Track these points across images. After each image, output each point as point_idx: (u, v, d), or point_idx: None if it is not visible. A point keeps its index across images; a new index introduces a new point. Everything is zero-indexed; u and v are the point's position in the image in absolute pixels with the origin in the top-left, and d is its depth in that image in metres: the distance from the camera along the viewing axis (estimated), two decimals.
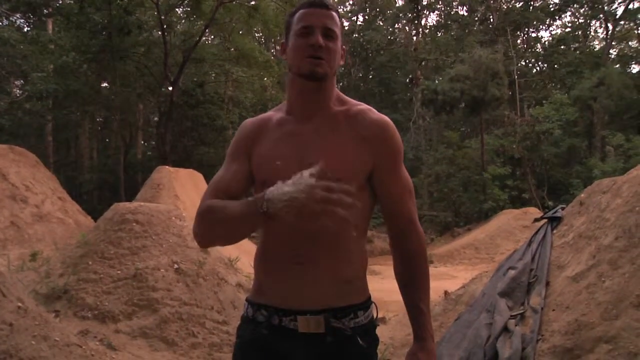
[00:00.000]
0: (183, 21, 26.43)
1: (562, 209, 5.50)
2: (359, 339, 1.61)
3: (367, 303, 1.69)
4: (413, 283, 1.67)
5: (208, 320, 5.29)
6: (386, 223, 1.73)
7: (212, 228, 1.57)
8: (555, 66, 31.41)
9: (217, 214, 1.54)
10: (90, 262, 5.65)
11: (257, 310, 1.67)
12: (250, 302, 1.72)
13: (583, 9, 32.36)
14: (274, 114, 1.74)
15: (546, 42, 34.09)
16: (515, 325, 4.09)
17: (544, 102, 25.19)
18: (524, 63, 31.94)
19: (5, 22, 23.65)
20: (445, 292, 6.34)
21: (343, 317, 1.60)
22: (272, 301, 1.64)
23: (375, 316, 1.72)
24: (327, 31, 1.59)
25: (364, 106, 1.70)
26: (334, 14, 1.62)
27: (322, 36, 1.58)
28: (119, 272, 5.55)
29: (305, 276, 1.58)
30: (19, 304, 3.51)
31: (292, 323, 1.60)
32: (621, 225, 4.16)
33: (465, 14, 34.84)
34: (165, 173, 13.79)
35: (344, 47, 1.68)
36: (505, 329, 4.09)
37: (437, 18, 37.99)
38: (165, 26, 21.84)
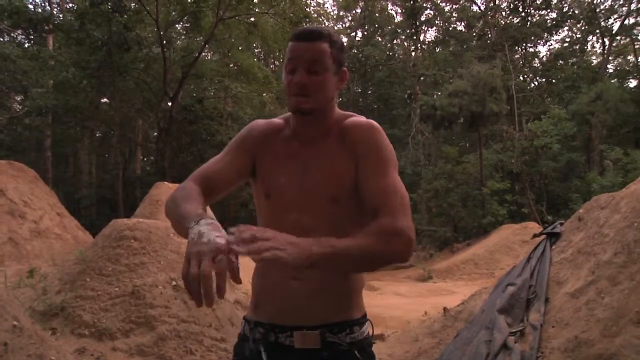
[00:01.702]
0: (182, 37, 26.60)
1: (561, 224, 5.49)
2: (356, 352, 1.61)
3: (362, 319, 1.69)
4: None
5: (206, 337, 5.25)
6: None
7: (169, 209, 1.53)
8: (553, 81, 31.54)
9: (178, 199, 1.51)
10: (88, 279, 5.62)
11: (254, 328, 1.69)
12: (247, 320, 1.74)
13: (580, 24, 32.57)
14: (284, 125, 1.76)
15: (544, 57, 34.29)
16: (515, 342, 4.07)
17: (542, 116, 25.21)
18: (522, 78, 32.04)
19: (7, 38, 23.81)
20: (445, 309, 6.32)
21: (339, 332, 1.61)
22: (269, 317, 1.66)
23: (371, 333, 1.72)
24: (311, 66, 1.57)
25: (354, 116, 1.72)
26: (321, 44, 1.58)
27: (306, 72, 1.57)
28: (116, 289, 5.52)
29: (301, 292, 1.59)
30: (15, 323, 3.48)
31: (289, 339, 1.61)
32: (620, 241, 4.15)
33: (463, 29, 35.05)
34: (164, 189, 13.75)
35: (344, 69, 1.66)
36: (505, 346, 4.06)
37: (436, 34, 38.22)
38: (164, 42, 21.95)
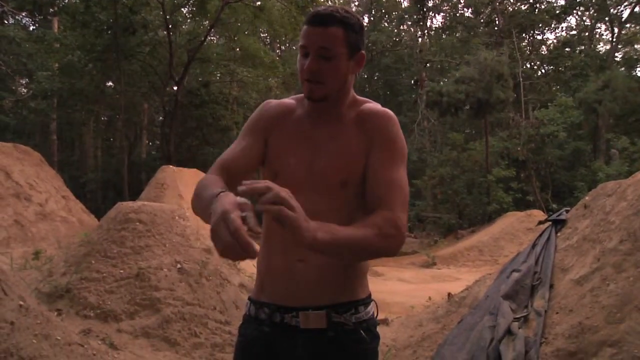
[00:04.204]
0: (188, 21, 26.46)
1: (567, 211, 5.47)
2: (362, 332, 1.63)
3: (367, 299, 1.70)
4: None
5: (210, 320, 5.28)
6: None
7: (194, 203, 1.52)
8: (560, 69, 31.30)
9: (199, 192, 1.49)
10: (93, 261, 5.65)
11: (259, 308, 1.70)
12: (252, 301, 1.75)
13: (589, 12, 32.25)
14: (296, 105, 1.75)
15: (551, 45, 34.00)
16: (519, 328, 4.07)
17: (548, 104, 25.05)
18: (529, 65, 31.81)
19: (11, 20, 23.79)
20: (449, 294, 6.34)
21: (344, 312, 1.62)
22: (274, 298, 1.66)
23: (375, 314, 1.74)
24: (321, 52, 1.55)
25: (371, 103, 1.72)
26: (333, 29, 1.55)
27: (317, 58, 1.55)
28: (121, 271, 5.55)
29: (307, 273, 1.60)
30: (21, 303, 3.50)
31: (294, 320, 1.62)
32: (626, 229, 4.13)
33: (471, 16, 34.75)
34: (169, 173, 13.80)
35: (362, 52, 1.64)
36: (509, 332, 4.07)
37: (443, 20, 37.91)
38: (170, 26, 21.85)
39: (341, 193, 1.60)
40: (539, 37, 33.95)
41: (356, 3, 40.26)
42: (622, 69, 28.38)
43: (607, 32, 32.14)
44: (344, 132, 1.64)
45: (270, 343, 1.65)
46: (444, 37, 35.29)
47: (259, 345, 1.67)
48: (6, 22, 23.39)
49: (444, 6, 35.86)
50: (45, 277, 5.67)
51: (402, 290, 10.74)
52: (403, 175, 1.58)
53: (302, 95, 1.75)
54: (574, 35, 32.99)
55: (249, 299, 1.77)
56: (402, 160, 1.61)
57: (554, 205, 20.57)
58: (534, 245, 5.12)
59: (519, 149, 22.97)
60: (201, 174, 15.67)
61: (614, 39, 30.13)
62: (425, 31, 35.12)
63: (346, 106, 1.68)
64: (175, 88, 22.93)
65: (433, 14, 36.21)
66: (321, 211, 1.54)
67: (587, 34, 32.72)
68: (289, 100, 1.78)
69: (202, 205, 1.40)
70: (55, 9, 21.72)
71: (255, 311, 1.71)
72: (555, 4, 31.11)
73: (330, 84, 1.58)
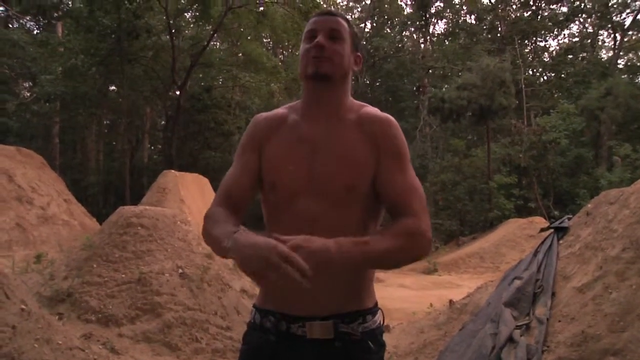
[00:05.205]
0: (191, 26, 26.54)
1: (569, 219, 5.46)
2: (370, 343, 1.61)
3: (374, 308, 1.69)
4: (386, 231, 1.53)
5: (211, 325, 5.27)
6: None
7: (205, 239, 1.60)
8: (563, 76, 31.32)
9: (209, 228, 1.57)
10: (94, 266, 5.65)
11: (265, 317, 1.67)
12: (257, 309, 1.72)
13: (591, 19, 32.30)
14: (287, 113, 1.73)
15: (554, 52, 34.05)
16: (521, 336, 4.06)
17: (550, 111, 25.11)
18: (531, 72, 31.84)
19: (16, 24, 23.86)
20: (450, 301, 6.32)
21: (351, 322, 1.60)
22: (280, 307, 1.64)
23: (382, 322, 1.72)
24: (331, 33, 1.62)
25: (368, 107, 1.73)
26: (341, 20, 1.66)
27: (327, 38, 1.60)
28: (123, 275, 5.55)
29: (314, 283, 1.56)
30: (23, 307, 3.51)
31: (301, 329, 1.60)
32: (629, 237, 4.12)
33: (474, 22, 34.81)
34: (171, 177, 13.80)
35: (359, 54, 1.70)
36: (510, 340, 4.06)
37: (445, 26, 37.98)
38: (173, 30, 21.92)
39: (347, 197, 1.58)
40: (542, 44, 34.06)
41: (359, 9, 40.36)
42: (625, 76, 28.38)
43: (610, 39, 32.22)
44: (345, 134, 1.62)
45: (275, 352, 1.62)
46: (446, 43, 35.33)
47: (264, 354, 1.64)
48: (10, 25, 23.46)
49: (447, 12, 35.93)
50: (47, 281, 5.67)
51: (403, 296, 10.71)
52: (415, 178, 1.63)
53: (294, 103, 1.76)
54: (576, 42, 33.04)
55: (254, 306, 1.74)
56: (409, 161, 1.66)
57: (556, 212, 20.55)
58: (535, 253, 5.11)
59: (520, 155, 22.98)
60: (202, 179, 15.73)
61: (616, 46, 30.17)
62: (428, 37, 35.16)
63: (345, 107, 1.68)
64: (177, 92, 22.96)
65: (435, 20, 36.32)
66: (324, 215, 1.54)
67: (589, 41, 32.74)
68: (280, 110, 1.77)
69: (213, 243, 1.53)
70: (60, 13, 21.79)
71: (260, 319, 1.68)
72: (557, 11, 31.19)
73: (336, 62, 1.61)
